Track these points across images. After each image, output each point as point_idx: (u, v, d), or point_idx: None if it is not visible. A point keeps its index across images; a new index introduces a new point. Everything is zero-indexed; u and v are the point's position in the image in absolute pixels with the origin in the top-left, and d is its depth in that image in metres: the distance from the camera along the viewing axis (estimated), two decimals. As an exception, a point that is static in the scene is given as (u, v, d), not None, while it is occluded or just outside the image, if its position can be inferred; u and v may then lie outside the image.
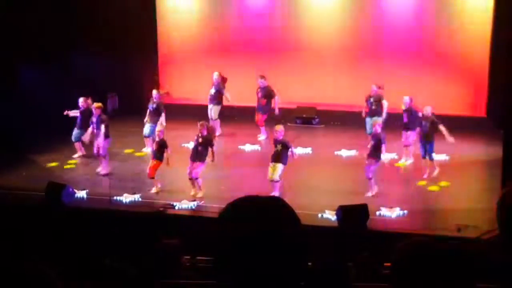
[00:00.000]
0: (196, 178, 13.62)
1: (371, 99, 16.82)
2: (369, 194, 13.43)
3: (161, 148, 13.89)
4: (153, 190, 13.95)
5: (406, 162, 15.59)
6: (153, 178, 13.94)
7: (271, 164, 13.43)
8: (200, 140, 13.72)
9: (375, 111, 16.74)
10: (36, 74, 17.19)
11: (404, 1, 19.14)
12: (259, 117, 17.79)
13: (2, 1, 16.59)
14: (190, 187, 13.89)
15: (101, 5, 18.88)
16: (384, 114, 16.63)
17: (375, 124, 14.04)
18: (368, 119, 16.80)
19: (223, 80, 18.03)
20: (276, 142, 13.51)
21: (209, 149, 13.74)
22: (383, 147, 13.55)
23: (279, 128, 13.82)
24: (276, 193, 12.99)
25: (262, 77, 17.64)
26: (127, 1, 19.66)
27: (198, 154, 13.69)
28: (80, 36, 18.52)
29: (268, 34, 20.01)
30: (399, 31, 19.13)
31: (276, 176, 13.34)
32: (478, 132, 17.65)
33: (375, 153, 13.55)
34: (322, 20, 19.61)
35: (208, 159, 13.74)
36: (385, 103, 16.77)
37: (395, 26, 19.18)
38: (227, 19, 20.44)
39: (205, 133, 13.80)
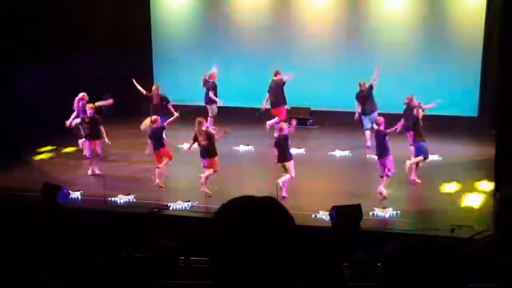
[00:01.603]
0: (216, 172, 13.72)
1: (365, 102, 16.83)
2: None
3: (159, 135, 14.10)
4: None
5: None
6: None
7: (290, 162, 13.43)
8: (204, 137, 13.71)
9: (367, 110, 16.79)
10: (33, 75, 17.16)
11: (397, 3, 19.17)
12: (282, 110, 17.80)
13: (2, 2, 16.56)
14: (185, 188, 13.95)
15: (97, 6, 18.86)
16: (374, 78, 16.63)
17: (378, 121, 13.79)
18: (365, 117, 16.85)
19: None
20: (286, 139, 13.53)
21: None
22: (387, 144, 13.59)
23: (285, 126, 13.91)
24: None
25: (278, 73, 17.65)
26: (122, 3, 19.67)
27: (208, 151, 13.71)
28: (76, 37, 18.49)
29: (263, 35, 20.03)
30: (392, 33, 19.19)
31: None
32: (470, 132, 17.70)
33: (385, 150, 13.54)
34: (316, 21, 19.65)
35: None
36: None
37: (389, 27, 19.24)
38: (222, 21, 20.45)
39: (204, 128, 13.82)
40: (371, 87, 16.68)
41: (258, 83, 19.33)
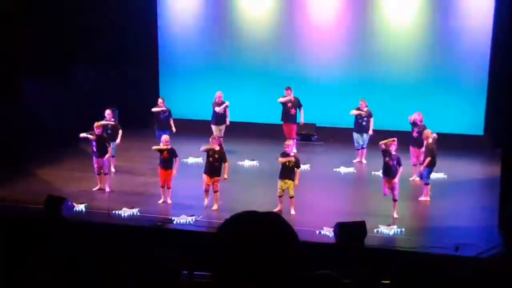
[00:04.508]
0: (216, 191, 13.72)
1: (363, 115, 16.95)
2: (395, 215, 13.31)
3: (171, 157, 14.05)
4: (163, 200, 14.14)
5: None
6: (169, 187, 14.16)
7: (284, 181, 13.38)
8: (216, 156, 13.76)
9: (365, 128, 16.97)
10: (38, 87, 17.23)
11: (405, 22, 19.19)
12: (290, 127, 17.79)
13: (5, 15, 16.65)
14: (189, 202, 13.97)
15: (103, 19, 18.94)
16: (371, 131, 16.90)
17: (389, 144, 13.57)
18: (357, 135, 17.15)
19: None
20: (292, 159, 13.49)
21: (223, 164, 13.85)
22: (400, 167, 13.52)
23: (290, 143, 14.02)
24: (292, 209, 13.28)
25: (289, 88, 17.71)
26: (128, 15, 19.75)
27: (216, 170, 13.79)
28: (82, 49, 18.58)
29: (270, 51, 20.07)
30: (399, 51, 19.21)
31: (293, 192, 13.39)
32: (476, 150, 17.67)
33: (395, 172, 13.48)
34: (324, 37, 19.69)
35: (224, 175, 13.84)
36: (372, 120, 16.95)
37: (395, 45, 19.26)
38: (229, 37, 20.49)
39: (217, 147, 13.87)
40: (370, 114, 17.04)
41: (263, 98, 19.38)
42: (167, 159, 14.04)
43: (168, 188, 14.10)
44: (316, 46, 19.77)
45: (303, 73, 19.74)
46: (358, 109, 17.09)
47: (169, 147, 14.09)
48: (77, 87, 18.45)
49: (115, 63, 19.47)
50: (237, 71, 20.27)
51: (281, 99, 17.70)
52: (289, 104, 17.66)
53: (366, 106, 17.05)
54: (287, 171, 13.40)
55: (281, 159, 13.43)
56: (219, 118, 17.89)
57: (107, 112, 16.14)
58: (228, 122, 17.93)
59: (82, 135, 15.06)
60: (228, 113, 17.92)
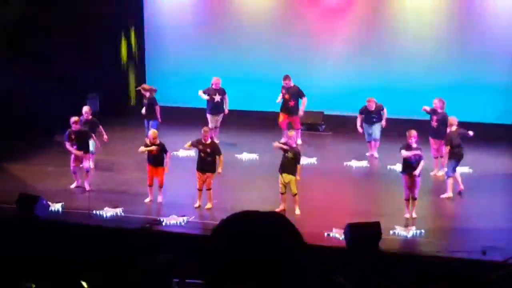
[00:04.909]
0: (209, 189, 13.80)
1: (373, 114, 17.03)
2: (414, 214, 13.33)
3: (161, 153, 14.11)
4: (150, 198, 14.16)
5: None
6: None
7: (283, 175, 13.44)
8: (208, 150, 13.82)
9: (376, 123, 17.11)
10: (14, 76, 17.22)
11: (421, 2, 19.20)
12: (292, 120, 17.82)
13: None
14: (180, 200, 14.00)
15: (86, 3, 18.95)
16: (383, 122, 17.02)
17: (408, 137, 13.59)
18: (367, 126, 17.20)
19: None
20: (289, 149, 13.57)
21: (218, 158, 13.92)
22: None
23: (292, 134, 14.21)
24: (297, 208, 13.38)
25: (287, 77, 17.73)
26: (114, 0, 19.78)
27: (209, 165, 13.87)
28: (62, 35, 18.55)
29: (270, 36, 20.04)
30: (416, 30, 19.18)
31: (296, 189, 13.43)
32: (505, 141, 17.64)
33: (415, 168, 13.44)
34: (331, 23, 19.71)
35: (219, 169, 13.91)
36: (385, 111, 17.04)
37: (412, 25, 19.23)
38: (225, 20, 20.45)
39: (209, 140, 13.93)
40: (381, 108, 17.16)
41: (265, 83, 19.34)
42: (156, 155, 14.06)
43: (161, 186, 14.10)
44: (326, 27, 19.75)
45: (310, 55, 19.72)
46: (366, 108, 17.06)
47: (157, 142, 14.09)
48: (54, 71, 18.42)
49: (95, 44, 19.43)
50: (235, 53, 20.18)
51: (278, 99, 17.83)
52: (286, 96, 17.66)
53: (375, 103, 17.01)
54: (285, 165, 13.51)
55: (275, 144, 13.56)
56: (215, 107, 17.79)
57: (85, 110, 16.02)
58: (226, 111, 17.89)
59: (67, 146, 15.01)
60: (227, 100, 17.86)
